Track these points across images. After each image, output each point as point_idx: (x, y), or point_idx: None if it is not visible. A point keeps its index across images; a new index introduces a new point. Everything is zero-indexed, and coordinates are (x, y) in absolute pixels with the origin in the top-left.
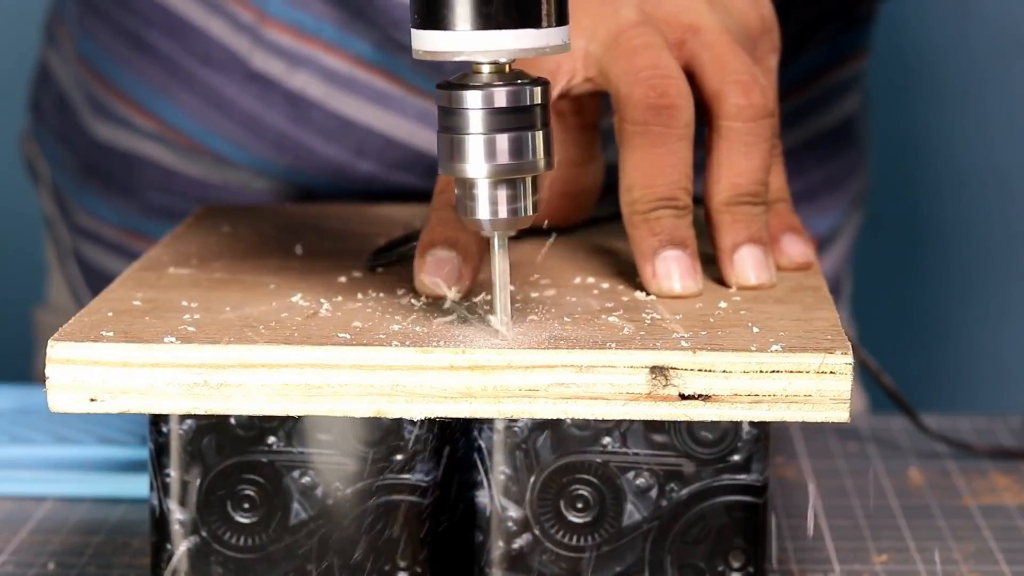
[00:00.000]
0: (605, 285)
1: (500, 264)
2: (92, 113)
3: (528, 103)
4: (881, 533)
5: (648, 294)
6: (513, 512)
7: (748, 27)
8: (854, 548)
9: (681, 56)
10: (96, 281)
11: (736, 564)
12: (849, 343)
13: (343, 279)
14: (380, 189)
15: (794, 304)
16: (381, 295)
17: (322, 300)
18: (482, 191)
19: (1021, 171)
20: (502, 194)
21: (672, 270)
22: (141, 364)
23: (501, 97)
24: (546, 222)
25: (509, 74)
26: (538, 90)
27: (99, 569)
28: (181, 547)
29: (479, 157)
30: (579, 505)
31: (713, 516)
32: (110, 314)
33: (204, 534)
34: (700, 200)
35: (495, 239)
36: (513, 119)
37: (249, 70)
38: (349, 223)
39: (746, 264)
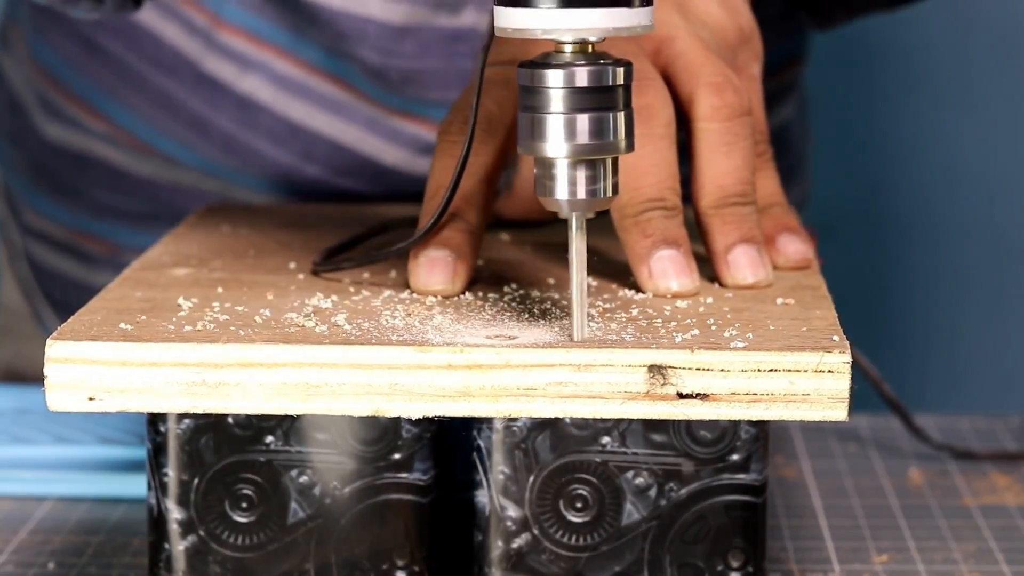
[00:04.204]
0: (603, 285)
1: (577, 245)
2: (43, 114)
3: (610, 83)
4: (881, 533)
5: (645, 294)
6: (512, 512)
7: (726, 37)
8: (854, 548)
9: (657, 65)
10: (47, 281)
11: (735, 563)
12: (848, 342)
13: (345, 279)
14: (326, 194)
15: (792, 303)
16: (380, 295)
17: (321, 299)
18: (561, 171)
19: (1017, 170)
20: (581, 175)
21: (668, 269)
22: (139, 363)
23: (583, 77)
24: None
25: (591, 54)
26: (620, 70)
27: (99, 569)
28: (179, 546)
29: (559, 137)
30: (578, 505)
31: (712, 516)
32: (109, 313)
33: (202, 533)
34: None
35: (572, 220)
36: (594, 99)
37: (199, 72)
38: (348, 223)
39: (741, 264)
